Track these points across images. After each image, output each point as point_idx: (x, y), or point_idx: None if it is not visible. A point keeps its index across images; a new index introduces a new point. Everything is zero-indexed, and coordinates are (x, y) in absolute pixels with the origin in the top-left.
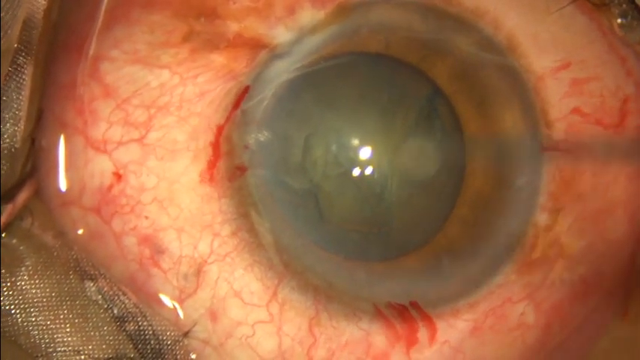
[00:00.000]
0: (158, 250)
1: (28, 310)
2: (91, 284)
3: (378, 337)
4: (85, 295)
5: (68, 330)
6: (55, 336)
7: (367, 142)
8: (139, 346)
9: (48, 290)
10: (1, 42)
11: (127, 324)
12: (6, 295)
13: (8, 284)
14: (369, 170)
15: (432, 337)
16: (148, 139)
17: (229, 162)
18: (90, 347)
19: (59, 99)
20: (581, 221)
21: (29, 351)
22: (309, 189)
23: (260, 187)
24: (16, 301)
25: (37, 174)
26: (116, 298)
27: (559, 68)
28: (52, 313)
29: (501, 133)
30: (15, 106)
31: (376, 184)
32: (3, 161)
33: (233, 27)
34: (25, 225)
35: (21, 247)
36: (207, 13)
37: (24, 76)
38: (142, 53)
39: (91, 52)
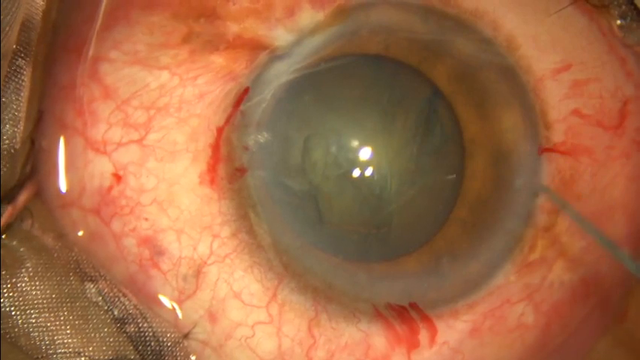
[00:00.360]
0: (158, 252)
1: (28, 311)
2: (92, 286)
3: (378, 338)
4: (85, 297)
5: (68, 331)
6: (56, 337)
7: (367, 143)
8: (140, 347)
9: (48, 292)
10: (1, 43)
11: (127, 325)
12: (6, 297)
13: (9, 286)
14: (368, 171)
15: (432, 339)
16: (147, 140)
17: (229, 163)
18: (90, 349)
19: (59, 100)
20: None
21: (29, 352)
22: (309, 190)
23: (260, 188)
24: (17, 303)
25: (37, 175)
26: (116, 299)
27: (559, 70)
28: (52, 314)
29: (501, 134)
30: (14, 107)
31: (376, 186)
32: (3, 162)
33: (233, 28)
34: (25, 226)
35: (21, 249)
36: (206, 14)
37: (23, 78)
38: (141, 54)
39: (91, 53)
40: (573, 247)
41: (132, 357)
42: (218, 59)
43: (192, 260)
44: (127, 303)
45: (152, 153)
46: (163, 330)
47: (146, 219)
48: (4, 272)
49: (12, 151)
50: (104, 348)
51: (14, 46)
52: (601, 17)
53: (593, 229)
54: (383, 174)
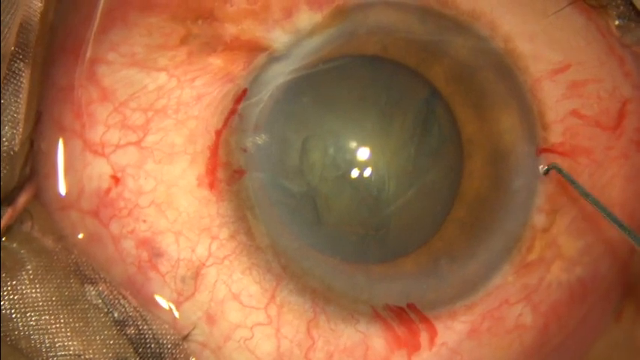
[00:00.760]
0: (156, 253)
1: (28, 314)
2: (92, 288)
3: (377, 339)
4: (85, 299)
5: (69, 334)
6: (56, 340)
7: (365, 144)
8: (140, 350)
9: (48, 294)
10: (0, 45)
11: (127, 328)
12: (6, 299)
13: (9, 288)
14: (366, 172)
15: (432, 340)
16: (145, 142)
17: (227, 165)
18: (90, 351)
19: (57, 102)
20: (578, 222)
21: (30, 355)
22: (307, 192)
23: (258, 190)
24: (17, 305)
25: (37, 177)
26: (116, 302)
27: (557, 70)
28: (52, 317)
29: (499, 134)
30: (13, 109)
31: (374, 187)
32: (3, 164)
33: (230, 30)
34: (25, 228)
35: (22, 251)
36: (204, 15)
37: (21, 79)
38: (139, 56)
39: (88, 54)
40: (571, 248)
41: (132, 359)
42: (216, 61)
43: (190, 262)
44: (126, 305)
45: (150, 155)
46: (163, 332)
47: (144, 221)
48: (4, 274)
49: (11, 153)
50: (104, 350)
51: (13, 48)
52: (599, 17)
53: (602, 206)
54: (381, 175)
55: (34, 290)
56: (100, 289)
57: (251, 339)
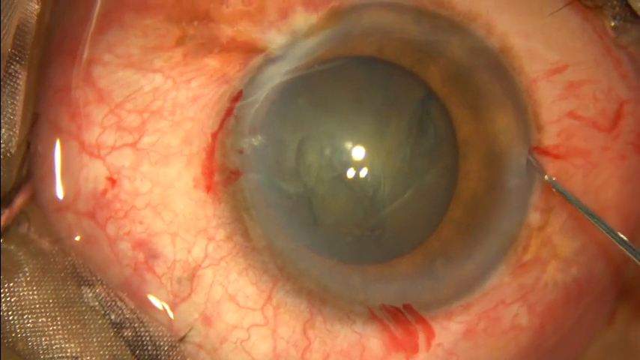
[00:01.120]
0: (152, 255)
1: (25, 316)
2: (89, 290)
3: (373, 340)
4: (82, 302)
5: (66, 336)
6: (53, 342)
7: (361, 145)
8: (137, 352)
9: (45, 296)
10: (0, 43)
11: (124, 330)
12: (4, 301)
13: (6, 290)
14: (362, 173)
15: (429, 341)
16: (141, 143)
17: (223, 167)
18: (87, 354)
19: (53, 103)
20: (573, 221)
21: (27, 358)
22: (303, 193)
23: (254, 191)
24: (14, 307)
25: (33, 179)
26: (113, 304)
27: (553, 71)
28: (49, 319)
29: (494, 135)
30: (10, 110)
31: (369, 187)
32: (2, 166)
33: (226, 31)
34: (22, 230)
35: (19, 253)
36: (200, 17)
37: (18, 81)
38: (135, 57)
39: (85, 56)
40: (567, 248)
41: None
42: (212, 62)
43: (186, 263)
44: (123, 307)
45: (146, 156)
46: (160, 334)
47: (141, 222)
48: (2, 276)
49: (8, 155)
50: (101, 352)
51: (9, 50)
52: (595, 18)
53: (591, 213)
54: (377, 176)
55: (31, 292)
56: (97, 291)
57: (247, 340)
